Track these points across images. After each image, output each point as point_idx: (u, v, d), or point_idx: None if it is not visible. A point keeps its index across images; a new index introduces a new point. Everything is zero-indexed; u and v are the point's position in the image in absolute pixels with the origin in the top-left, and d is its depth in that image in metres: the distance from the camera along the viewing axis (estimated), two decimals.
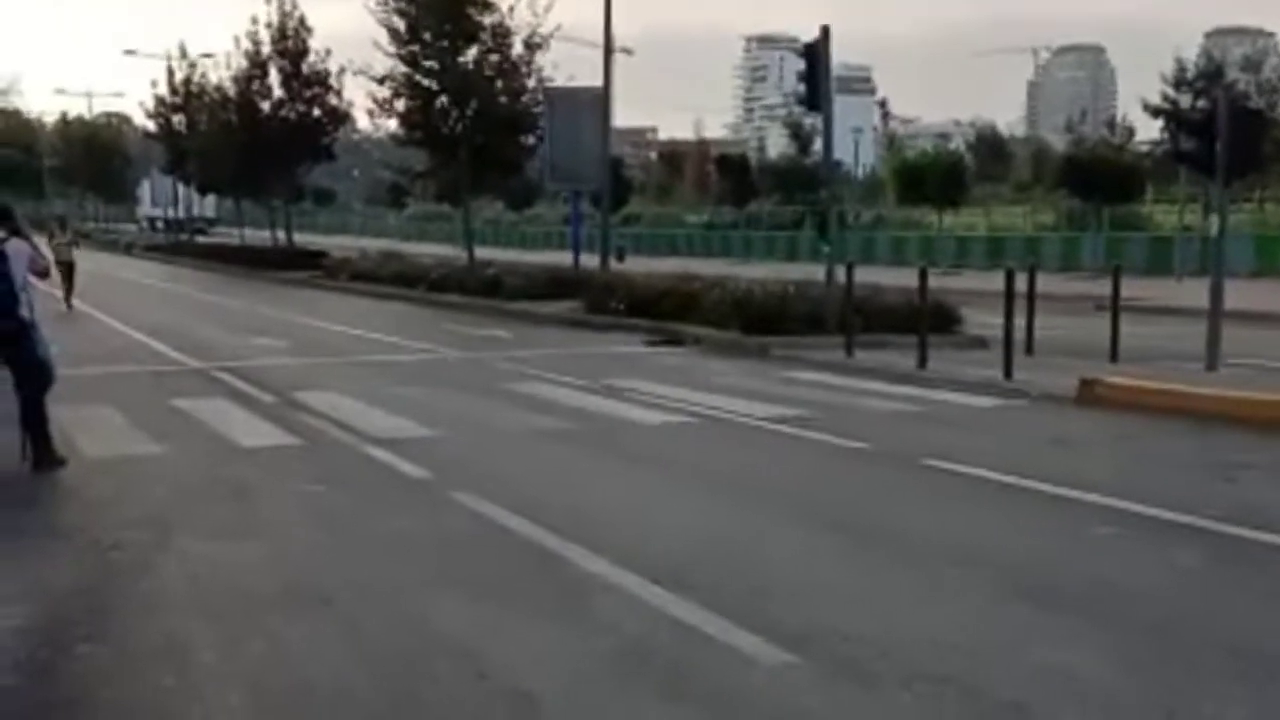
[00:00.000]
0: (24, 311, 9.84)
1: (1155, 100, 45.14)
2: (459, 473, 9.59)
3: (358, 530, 8.06)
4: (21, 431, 9.90)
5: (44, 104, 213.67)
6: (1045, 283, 19.01)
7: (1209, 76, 45.15)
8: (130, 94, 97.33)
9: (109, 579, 7.01)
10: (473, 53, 31.94)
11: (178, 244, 60.48)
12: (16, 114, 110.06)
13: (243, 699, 5.16)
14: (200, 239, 62.65)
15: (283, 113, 43.64)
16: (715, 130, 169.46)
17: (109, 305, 27.45)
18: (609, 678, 5.36)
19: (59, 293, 25.33)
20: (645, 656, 5.56)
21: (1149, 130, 52.98)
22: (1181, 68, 45.47)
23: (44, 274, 10.48)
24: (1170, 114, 44.03)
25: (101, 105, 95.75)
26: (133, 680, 5.42)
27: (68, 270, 27.29)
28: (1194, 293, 20.87)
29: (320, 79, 43.51)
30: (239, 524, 8.18)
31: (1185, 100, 43.78)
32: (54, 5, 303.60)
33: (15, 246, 9.88)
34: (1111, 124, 71.45)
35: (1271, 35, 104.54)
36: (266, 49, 43.62)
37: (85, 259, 27.57)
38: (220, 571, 7.03)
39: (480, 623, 6.08)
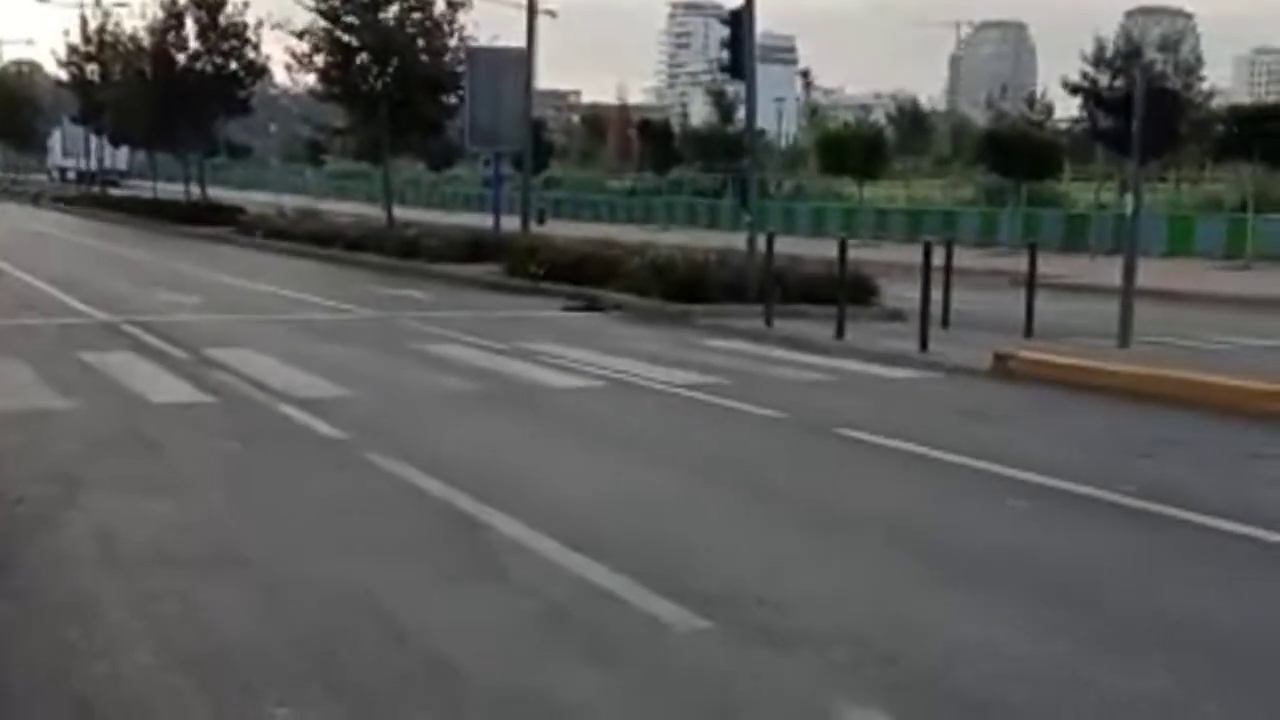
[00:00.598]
0: None
1: (1075, 78, 45.74)
2: (374, 433, 9.50)
3: (273, 489, 7.97)
4: None
5: None
6: (962, 257, 19.20)
7: (1127, 56, 45.78)
8: (42, 42, 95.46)
9: (13, 534, 6.85)
10: (394, 9, 31.58)
11: (89, 195, 59.31)
12: None
13: (153, 658, 5.06)
14: (112, 191, 61.47)
15: (199, 65, 42.92)
16: (638, 96, 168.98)
17: (15, 256, 26.88)
18: (528, 642, 5.33)
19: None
20: (564, 621, 5.54)
21: (1068, 108, 53.79)
22: (1100, 46, 46.09)
23: None
24: (1089, 92, 44.63)
25: (12, 53, 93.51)
26: (38, 636, 5.30)
27: None
28: (1108, 270, 21.18)
29: (238, 31, 42.84)
30: (150, 481, 8.04)
31: (1104, 79, 44.38)
32: None
33: None
34: (1031, 100, 72.16)
35: (1190, 17, 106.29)
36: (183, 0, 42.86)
37: None
38: (131, 529, 6.90)
39: (399, 585, 6.02)
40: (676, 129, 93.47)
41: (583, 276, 21.48)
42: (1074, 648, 5.35)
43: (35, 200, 63.38)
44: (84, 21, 53.98)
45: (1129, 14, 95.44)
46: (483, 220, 32.83)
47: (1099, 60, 45.33)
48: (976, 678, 5.00)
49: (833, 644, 5.27)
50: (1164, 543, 7.24)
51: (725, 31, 20.66)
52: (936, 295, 15.68)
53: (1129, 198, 16.10)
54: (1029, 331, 16.18)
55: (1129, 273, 15.10)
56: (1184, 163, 54.93)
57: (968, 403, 11.98)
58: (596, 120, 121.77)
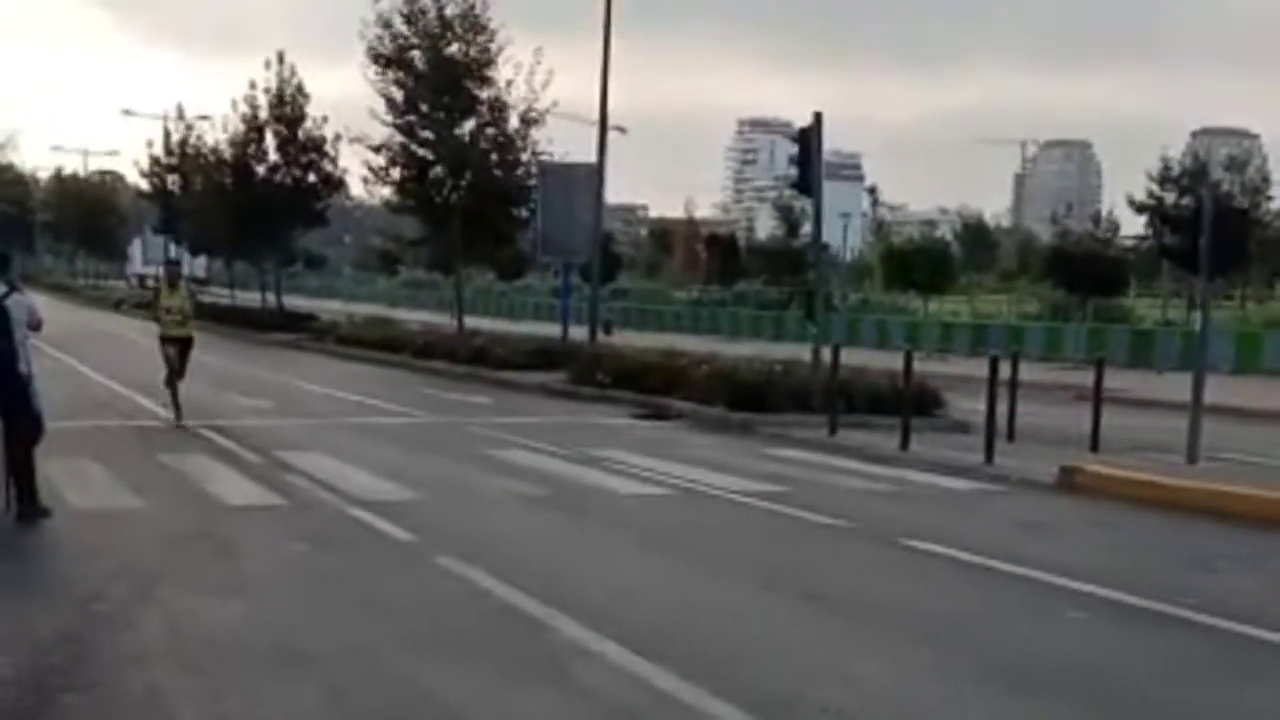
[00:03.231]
0: (22, 366, 9.98)
1: (1141, 196, 45.89)
2: (441, 535, 9.65)
3: (341, 590, 8.11)
4: (5, 482, 9.96)
5: (39, 160, 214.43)
6: (1028, 371, 19.17)
7: (1194, 175, 45.89)
8: (126, 153, 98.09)
9: (92, 630, 7.03)
10: (469, 125, 32.20)
11: None
12: (10, 169, 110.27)
13: None
14: None
15: (277, 177, 43.83)
16: (705, 210, 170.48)
17: (96, 361, 27.42)
18: None
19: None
20: None
21: (1134, 225, 53.83)
22: (1167, 166, 46.27)
23: (38, 327, 10.56)
24: (1155, 210, 44.71)
25: (97, 163, 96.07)
26: None
27: (182, 351, 17.67)
28: (1175, 386, 21.07)
29: (316, 145, 43.75)
30: (222, 580, 8.22)
31: (1170, 197, 44.49)
32: (54, 63, 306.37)
33: (15, 301, 10.04)
34: (1097, 218, 72.18)
35: (1256, 137, 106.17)
36: (264, 113, 43.88)
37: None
38: (203, 627, 7.07)
39: (463, 686, 6.12)
40: (742, 242, 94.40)
41: (649, 385, 21.62)
42: None
43: (116, 306, 64.67)
44: (167, 134, 55.50)
45: (1195, 134, 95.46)
46: (551, 329, 33.19)
47: (1165, 179, 45.48)
48: None
49: None
50: (1223, 656, 7.20)
51: (792, 148, 20.93)
52: (1002, 408, 15.68)
53: (1196, 314, 16.09)
54: (1095, 446, 16.11)
55: (1198, 389, 15.03)
56: (1251, 280, 54.65)
57: (1032, 515, 11.94)
58: (664, 233, 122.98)
